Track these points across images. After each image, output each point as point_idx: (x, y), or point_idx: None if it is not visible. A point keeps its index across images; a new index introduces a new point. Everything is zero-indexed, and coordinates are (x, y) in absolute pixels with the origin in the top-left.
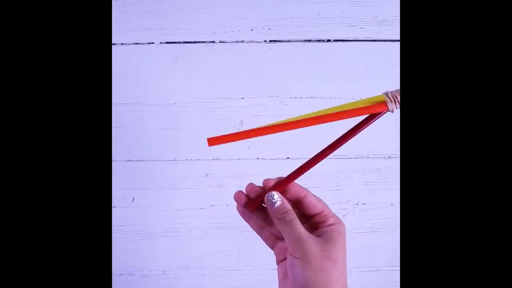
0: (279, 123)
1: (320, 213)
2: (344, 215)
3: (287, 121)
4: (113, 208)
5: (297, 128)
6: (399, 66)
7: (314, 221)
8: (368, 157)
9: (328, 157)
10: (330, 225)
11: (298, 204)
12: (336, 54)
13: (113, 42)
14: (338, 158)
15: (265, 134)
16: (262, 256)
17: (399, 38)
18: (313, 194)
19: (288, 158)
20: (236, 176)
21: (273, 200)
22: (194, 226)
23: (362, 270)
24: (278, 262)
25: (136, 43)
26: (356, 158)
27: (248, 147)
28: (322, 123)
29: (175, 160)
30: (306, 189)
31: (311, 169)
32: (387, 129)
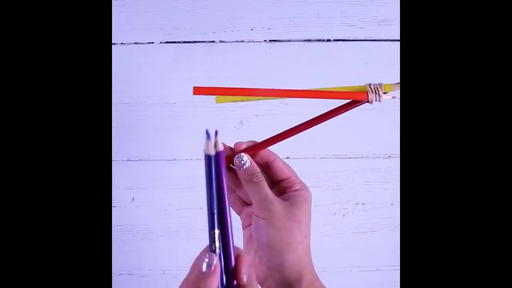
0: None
1: (287, 178)
2: (344, 215)
3: (274, 89)
4: (113, 208)
5: (285, 96)
6: (399, 65)
7: (281, 186)
8: (368, 156)
9: (328, 157)
10: (297, 190)
11: (266, 169)
12: (336, 54)
13: (113, 42)
14: (338, 158)
15: (252, 95)
16: None
17: (399, 38)
18: (281, 160)
19: (288, 157)
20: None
21: (242, 162)
22: (194, 225)
23: (362, 270)
24: (244, 227)
25: (136, 43)
26: (356, 157)
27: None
28: (307, 97)
29: (175, 159)
30: (275, 154)
31: (283, 141)
32: (387, 129)
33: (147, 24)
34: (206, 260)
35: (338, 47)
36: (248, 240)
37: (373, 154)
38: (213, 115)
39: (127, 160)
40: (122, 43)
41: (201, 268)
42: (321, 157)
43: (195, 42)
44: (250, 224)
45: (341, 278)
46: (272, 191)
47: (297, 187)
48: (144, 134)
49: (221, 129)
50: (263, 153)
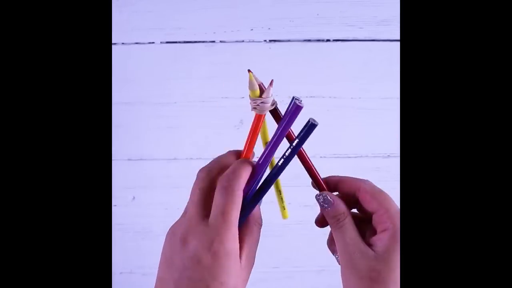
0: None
1: (375, 212)
2: None
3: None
4: (113, 207)
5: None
6: (399, 66)
7: (372, 223)
8: (367, 156)
9: (328, 156)
10: (383, 231)
11: (353, 201)
12: (335, 54)
13: (113, 42)
14: (338, 157)
15: None
16: (262, 255)
17: (398, 38)
18: (371, 186)
19: None
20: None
21: (324, 202)
22: None
23: None
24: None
25: (136, 43)
26: (356, 157)
27: None
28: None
29: (175, 159)
30: (362, 180)
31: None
32: (387, 129)
33: (147, 24)
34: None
35: (337, 47)
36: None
37: (372, 154)
38: (213, 115)
39: (128, 160)
40: (123, 43)
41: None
42: (321, 157)
43: (195, 42)
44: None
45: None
46: (362, 231)
47: (384, 226)
48: (144, 133)
49: (221, 129)
50: (348, 182)
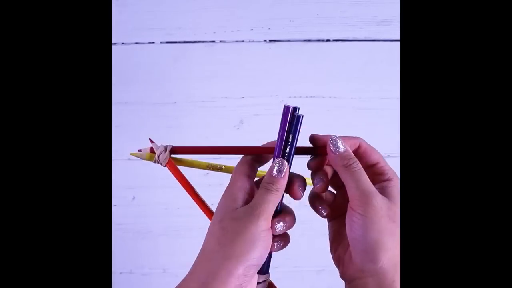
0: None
1: (375, 164)
2: None
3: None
4: (113, 207)
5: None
6: (399, 66)
7: (369, 174)
8: None
9: None
10: (390, 180)
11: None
12: (335, 54)
13: (113, 42)
14: None
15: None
16: None
17: (398, 38)
18: (366, 142)
19: None
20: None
21: (337, 146)
22: (194, 224)
23: None
24: (330, 220)
25: (136, 43)
26: None
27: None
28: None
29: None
30: (358, 138)
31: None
32: (387, 129)
33: (147, 24)
34: (277, 165)
35: (337, 47)
36: (335, 236)
37: None
38: (213, 114)
39: (128, 159)
40: (123, 43)
41: (275, 172)
42: None
43: (195, 42)
44: (336, 217)
45: None
46: None
47: (389, 175)
48: (144, 133)
49: (221, 129)
50: (346, 138)
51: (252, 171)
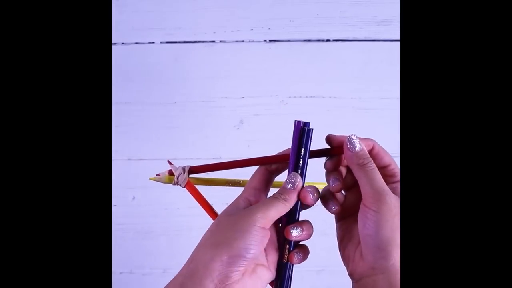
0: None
1: (387, 166)
2: None
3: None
4: (113, 207)
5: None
6: (399, 66)
7: (387, 173)
8: None
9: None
10: (398, 181)
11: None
12: (335, 54)
13: (113, 42)
14: None
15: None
16: None
17: (398, 38)
18: (380, 145)
19: None
20: (236, 175)
21: (354, 144)
22: (195, 224)
23: None
24: (338, 221)
25: (136, 43)
26: None
27: (248, 146)
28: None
29: (175, 159)
30: (371, 139)
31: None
32: (387, 129)
33: (147, 24)
34: (291, 179)
35: (337, 47)
36: (344, 234)
37: None
38: (213, 114)
39: (128, 160)
40: (123, 43)
41: (286, 184)
42: None
43: (195, 42)
44: (346, 217)
45: (341, 276)
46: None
47: (399, 177)
48: (144, 133)
49: (221, 129)
50: (361, 139)
51: (263, 182)
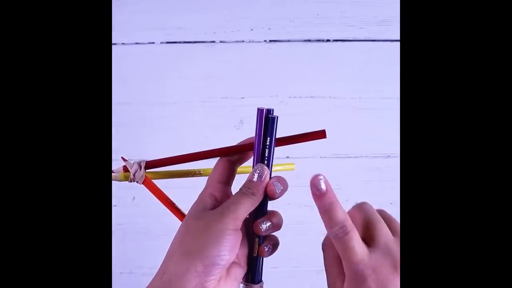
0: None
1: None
2: None
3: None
4: (113, 207)
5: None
6: (399, 66)
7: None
8: (367, 156)
9: (328, 156)
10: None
11: None
12: (335, 54)
13: (113, 42)
14: (338, 157)
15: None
16: None
17: (398, 38)
18: (375, 213)
19: (288, 157)
20: (236, 175)
21: (320, 187)
22: None
23: None
24: (325, 244)
25: (136, 43)
26: (356, 157)
27: None
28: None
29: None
30: (364, 205)
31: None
32: (387, 129)
33: (147, 24)
34: (258, 171)
35: (337, 47)
36: (332, 260)
37: (372, 154)
38: (213, 114)
39: (128, 159)
40: (123, 43)
41: (252, 177)
42: (321, 157)
43: (195, 42)
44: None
45: None
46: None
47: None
48: (144, 133)
49: (221, 129)
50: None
51: (227, 174)
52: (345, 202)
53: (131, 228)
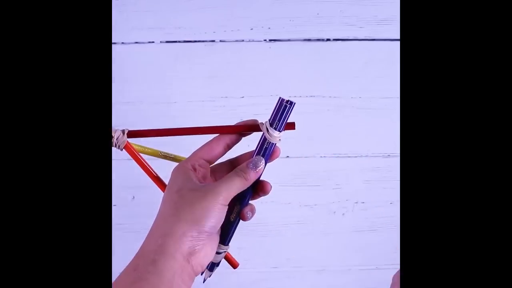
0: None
1: None
2: (343, 214)
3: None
4: (113, 207)
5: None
6: (399, 65)
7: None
8: (367, 155)
9: (328, 156)
10: None
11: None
12: (335, 53)
13: (113, 41)
14: (338, 157)
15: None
16: (262, 255)
17: (398, 37)
18: None
19: (288, 156)
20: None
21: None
22: None
23: (361, 268)
24: None
25: (136, 42)
26: (356, 156)
27: (248, 145)
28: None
29: (175, 159)
30: None
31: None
32: (387, 128)
33: (147, 23)
34: (255, 160)
35: (337, 47)
36: None
37: (372, 153)
38: (213, 114)
39: (128, 159)
40: (122, 43)
41: (248, 164)
42: (321, 156)
43: (195, 41)
44: None
45: (341, 276)
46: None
47: None
48: None
49: None
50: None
51: (216, 156)
52: (345, 201)
53: (131, 228)
